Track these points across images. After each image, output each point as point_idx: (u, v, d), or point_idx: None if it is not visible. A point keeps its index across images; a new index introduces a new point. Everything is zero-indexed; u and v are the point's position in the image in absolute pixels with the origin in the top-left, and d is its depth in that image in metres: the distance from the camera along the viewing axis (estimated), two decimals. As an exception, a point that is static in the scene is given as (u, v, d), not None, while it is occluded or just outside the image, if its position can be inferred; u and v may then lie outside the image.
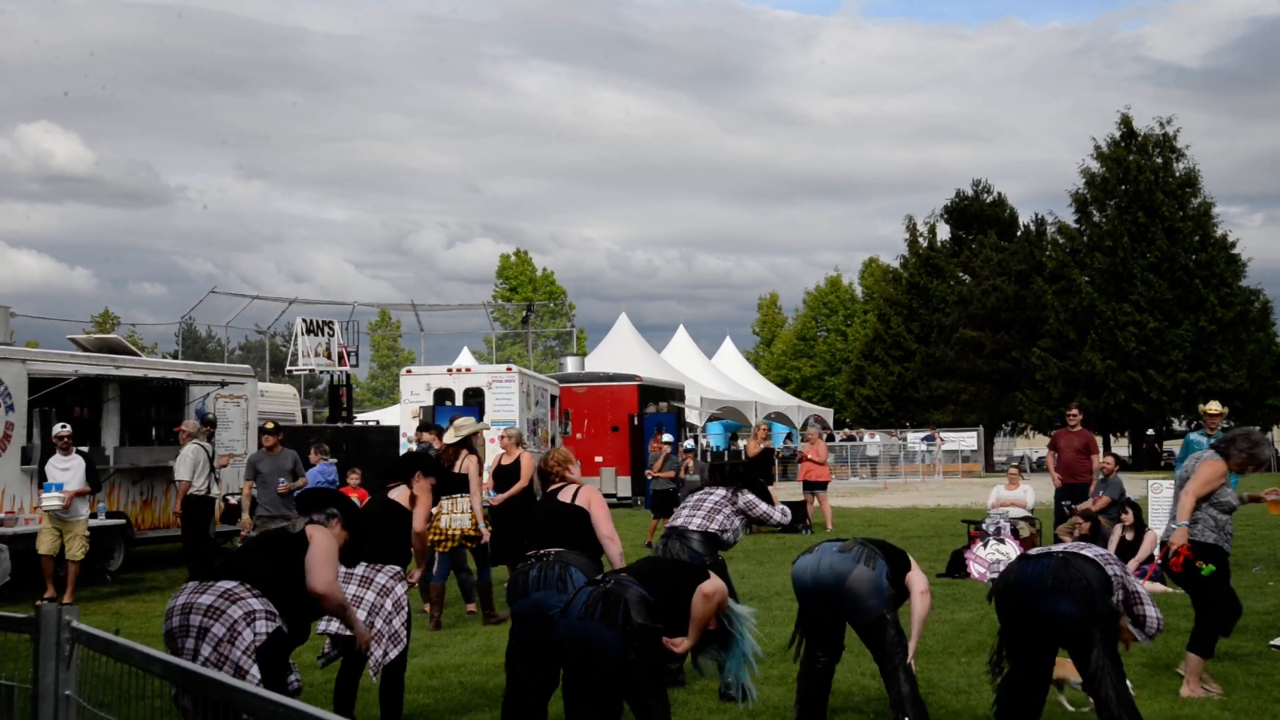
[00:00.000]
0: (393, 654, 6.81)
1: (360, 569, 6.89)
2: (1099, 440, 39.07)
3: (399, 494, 7.31)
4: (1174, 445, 54.79)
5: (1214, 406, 14.45)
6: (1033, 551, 6.33)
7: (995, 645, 6.48)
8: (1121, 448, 54.65)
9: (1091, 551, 6.25)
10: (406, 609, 6.96)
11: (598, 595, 5.58)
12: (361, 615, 6.71)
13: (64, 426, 13.25)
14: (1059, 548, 6.30)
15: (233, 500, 15.97)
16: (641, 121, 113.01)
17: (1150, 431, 49.51)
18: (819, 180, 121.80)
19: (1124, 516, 13.08)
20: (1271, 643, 9.35)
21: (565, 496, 6.88)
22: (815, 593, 6.77)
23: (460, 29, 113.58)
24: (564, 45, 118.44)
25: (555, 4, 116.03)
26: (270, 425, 14.38)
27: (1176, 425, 52.96)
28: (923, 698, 7.84)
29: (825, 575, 6.68)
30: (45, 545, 12.99)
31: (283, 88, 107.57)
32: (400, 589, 6.93)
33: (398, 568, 7.01)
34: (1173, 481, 15.09)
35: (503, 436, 13.63)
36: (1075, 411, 16.21)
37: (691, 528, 8.26)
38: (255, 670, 5.04)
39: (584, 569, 6.31)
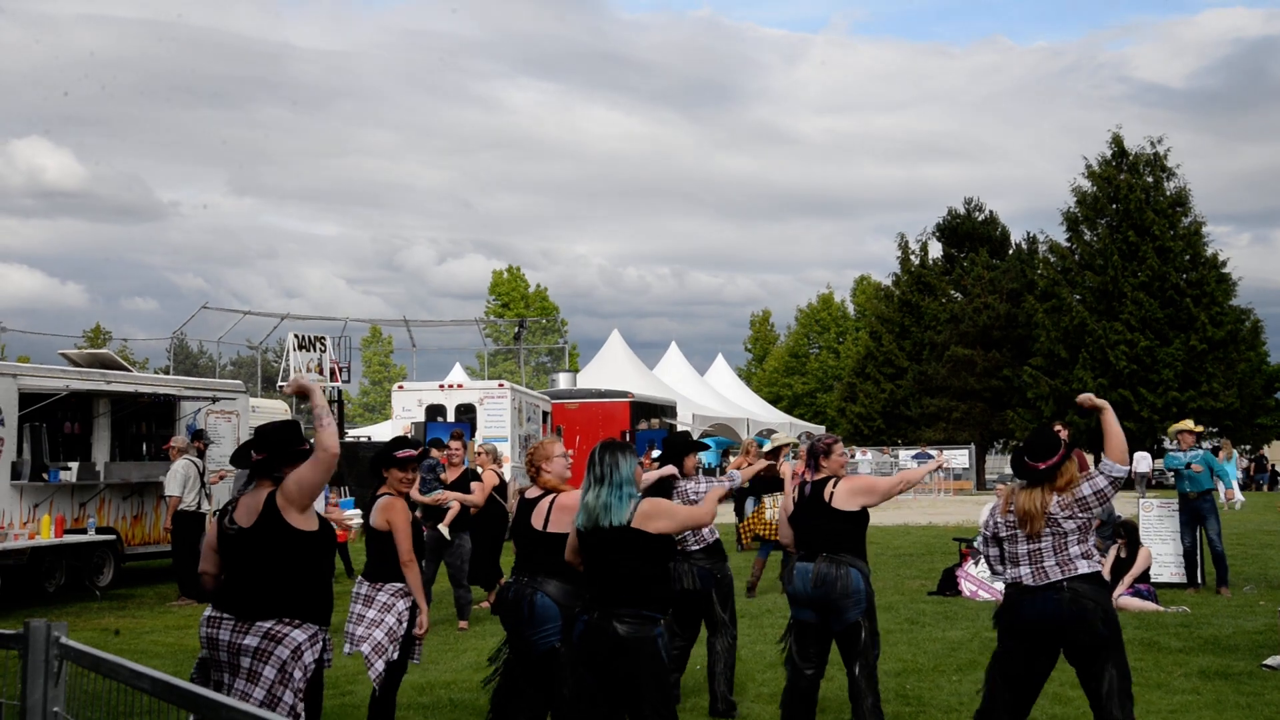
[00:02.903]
0: (377, 664, 6.75)
1: (364, 588, 6.97)
2: (1089, 459, 39.08)
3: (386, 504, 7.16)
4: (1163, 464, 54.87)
5: (1186, 424, 14.58)
6: (1027, 580, 5.99)
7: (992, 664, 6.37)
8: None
9: (1083, 565, 5.95)
10: (407, 625, 6.87)
11: (591, 627, 5.48)
12: (360, 631, 6.81)
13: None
14: (1058, 575, 5.93)
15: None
16: (630, 138, 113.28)
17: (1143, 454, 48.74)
18: (809, 198, 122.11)
19: (1119, 543, 13.06)
20: (1264, 662, 9.35)
21: (538, 518, 6.46)
22: (808, 599, 6.99)
23: (448, 45, 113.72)
24: (552, 62, 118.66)
25: (542, 21, 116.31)
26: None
27: (1168, 444, 53.06)
28: (913, 716, 7.86)
29: (818, 582, 6.93)
30: None
31: (272, 103, 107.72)
32: (402, 605, 6.89)
33: (399, 584, 6.91)
34: (1164, 501, 15.23)
35: (478, 453, 13.65)
36: (1062, 429, 16.08)
37: (690, 546, 8.22)
38: (301, 708, 5.25)
39: (556, 595, 6.22)
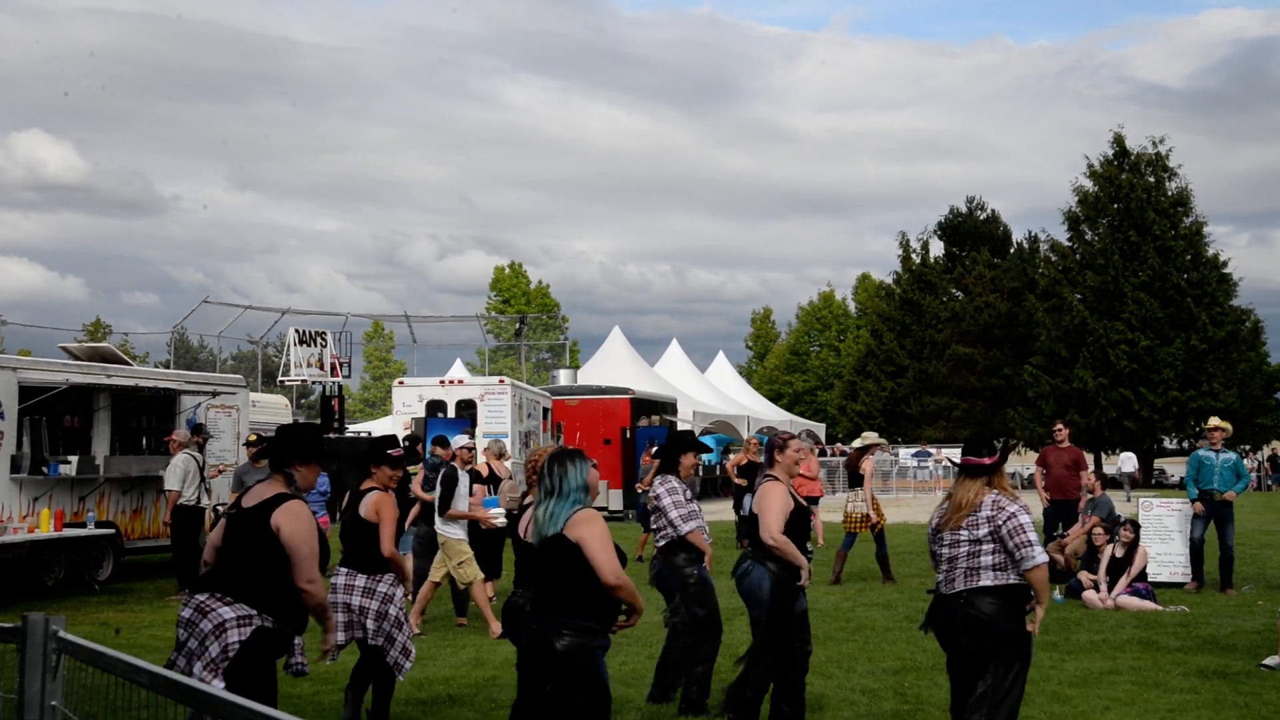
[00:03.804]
0: (406, 665, 7.19)
1: (360, 580, 7.19)
2: (1089, 457, 38.97)
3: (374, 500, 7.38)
4: (1165, 463, 54.95)
5: (1214, 421, 14.51)
6: (943, 588, 6.04)
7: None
8: (1114, 466, 54.74)
9: (989, 578, 5.92)
10: (407, 616, 7.32)
11: (532, 638, 5.29)
12: (371, 625, 7.11)
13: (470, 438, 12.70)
14: (961, 585, 5.95)
15: (222, 511, 15.93)
16: (630, 135, 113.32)
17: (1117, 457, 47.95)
18: (809, 195, 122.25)
19: (1124, 533, 13.06)
20: (1262, 662, 9.35)
21: (523, 527, 6.57)
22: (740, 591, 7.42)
23: (448, 41, 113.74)
24: (552, 59, 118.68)
25: (542, 17, 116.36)
26: (253, 438, 14.36)
27: (1168, 444, 53.06)
28: (911, 714, 7.85)
29: (739, 575, 7.35)
30: (442, 571, 11.60)
31: (272, 98, 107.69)
32: (399, 594, 7.23)
33: (391, 574, 7.26)
34: (1163, 500, 15.24)
35: (485, 450, 13.62)
36: (1062, 428, 16.16)
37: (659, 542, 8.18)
38: (218, 684, 5.07)
39: None
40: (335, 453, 25.59)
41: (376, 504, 7.28)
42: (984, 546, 5.94)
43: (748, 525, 7.67)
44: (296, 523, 5.32)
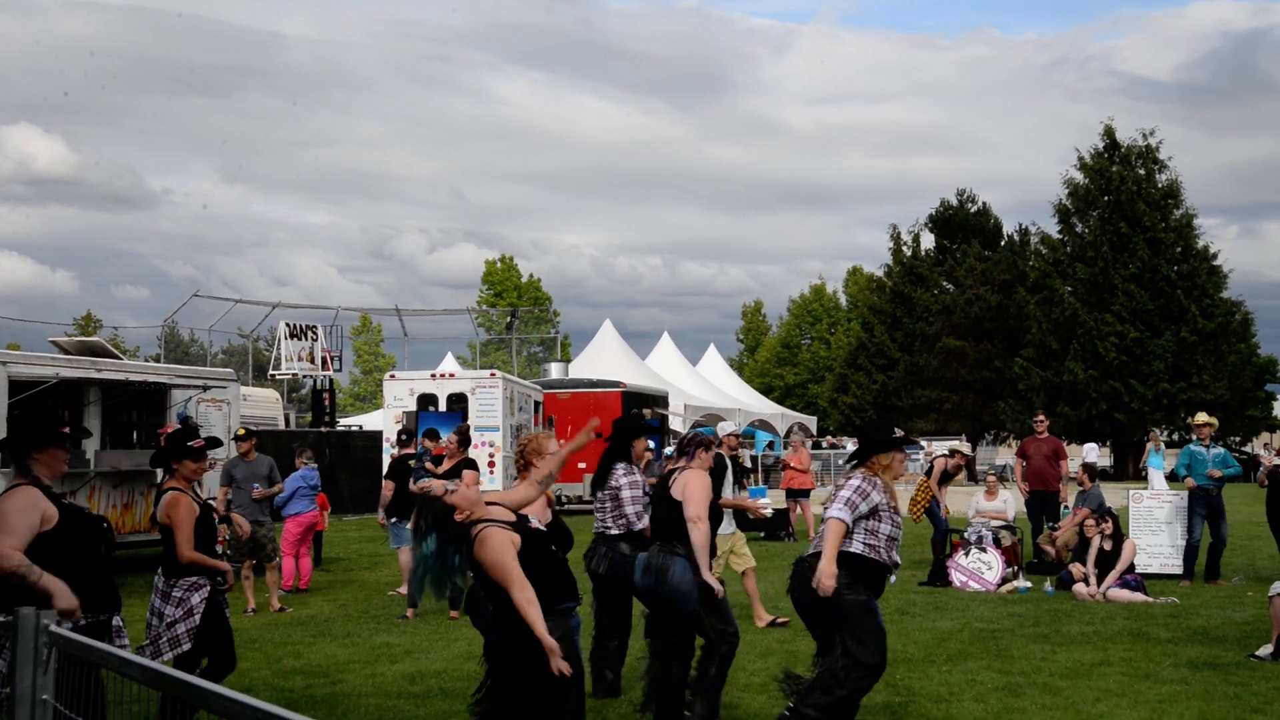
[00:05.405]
0: (165, 655, 6.74)
1: (160, 583, 6.93)
2: (1080, 450, 39.04)
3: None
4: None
5: (1201, 417, 14.55)
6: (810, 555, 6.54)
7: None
8: (1103, 458, 54.85)
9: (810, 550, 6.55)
10: (196, 617, 6.80)
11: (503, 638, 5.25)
12: (156, 626, 6.80)
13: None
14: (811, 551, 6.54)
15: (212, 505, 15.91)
16: (621, 128, 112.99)
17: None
18: (799, 188, 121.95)
19: (1102, 525, 13.08)
20: (1252, 653, 9.38)
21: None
22: (642, 591, 7.16)
23: (437, 35, 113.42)
24: (541, 52, 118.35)
25: (530, 11, 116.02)
26: (242, 431, 14.37)
27: (1158, 433, 53.14)
28: (903, 706, 7.86)
29: (644, 570, 7.03)
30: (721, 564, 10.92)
31: (262, 92, 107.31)
32: (195, 598, 6.81)
33: (194, 578, 6.84)
34: (1153, 492, 15.29)
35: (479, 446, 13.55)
36: (1042, 418, 16.21)
37: (610, 530, 8.06)
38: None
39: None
40: (324, 446, 25.52)
41: (168, 507, 6.88)
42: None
43: (656, 514, 7.31)
44: (4, 501, 5.26)
